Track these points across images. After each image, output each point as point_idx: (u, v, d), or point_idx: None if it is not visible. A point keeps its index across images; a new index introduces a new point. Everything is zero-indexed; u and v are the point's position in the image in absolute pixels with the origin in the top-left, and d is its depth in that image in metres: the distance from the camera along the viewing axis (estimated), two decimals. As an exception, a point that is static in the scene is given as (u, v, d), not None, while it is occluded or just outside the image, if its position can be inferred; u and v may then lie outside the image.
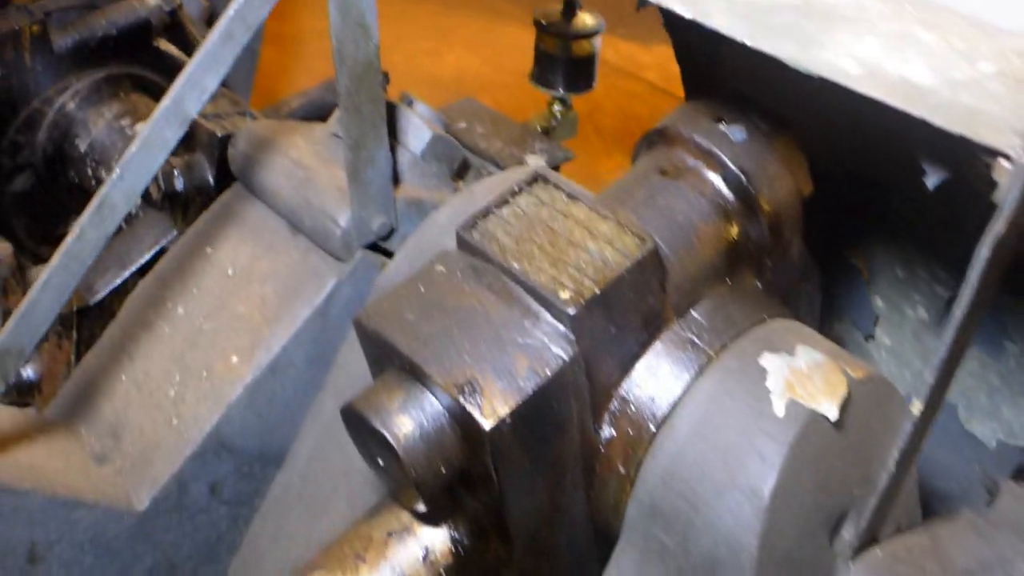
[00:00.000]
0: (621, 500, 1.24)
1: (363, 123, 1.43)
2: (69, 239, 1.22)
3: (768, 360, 1.21)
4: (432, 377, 1.10)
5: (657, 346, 1.23)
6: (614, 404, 1.23)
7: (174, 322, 1.63)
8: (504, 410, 1.08)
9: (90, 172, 2.14)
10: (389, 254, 1.59)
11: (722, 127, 1.29)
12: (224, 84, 2.04)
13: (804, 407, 1.16)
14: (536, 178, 1.25)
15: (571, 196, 1.22)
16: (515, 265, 1.16)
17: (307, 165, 1.60)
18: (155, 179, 1.70)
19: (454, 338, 1.13)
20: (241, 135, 1.69)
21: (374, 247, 1.59)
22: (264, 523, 1.61)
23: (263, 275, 1.60)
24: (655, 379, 1.23)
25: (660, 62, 4.34)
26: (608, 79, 4.45)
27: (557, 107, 2.05)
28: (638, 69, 4.38)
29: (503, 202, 1.23)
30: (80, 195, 2.14)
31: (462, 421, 1.10)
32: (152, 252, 1.76)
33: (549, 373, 1.10)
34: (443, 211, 1.48)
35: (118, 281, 1.74)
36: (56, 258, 1.22)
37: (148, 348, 1.62)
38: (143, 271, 1.73)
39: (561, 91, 2.02)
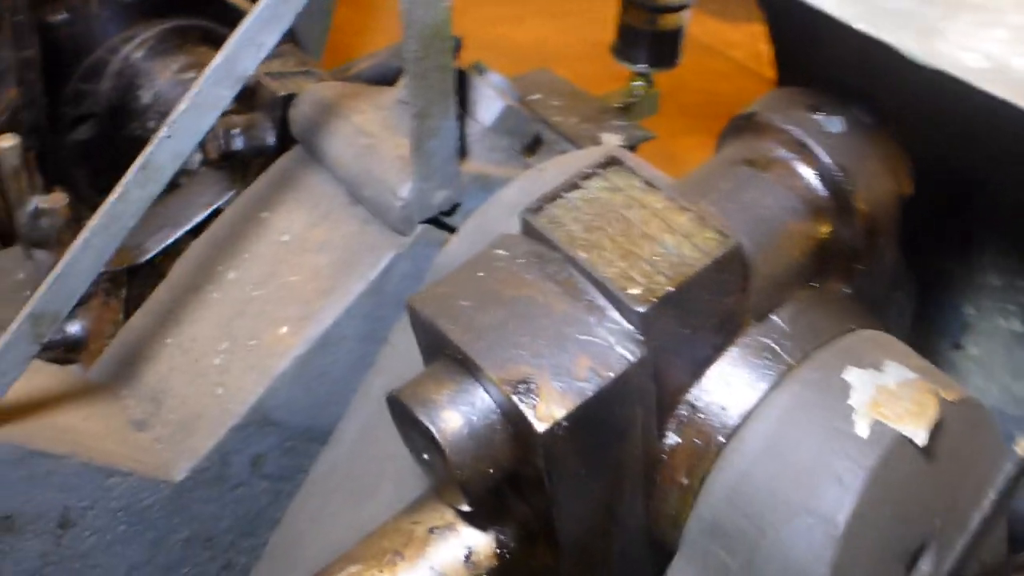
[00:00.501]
0: (682, 513, 1.16)
1: (430, 91, 1.34)
2: (111, 198, 1.15)
3: (853, 375, 1.11)
4: (485, 371, 1.02)
5: (732, 351, 1.14)
6: (682, 410, 1.14)
7: (224, 287, 1.56)
8: (560, 413, 0.99)
9: (152, 125, 2.09)
10: (452, 230, 1.50)
11: (818, 117, 1.19)
12: (295, 42, 1.98)
13: (890, 429, 1.06)
14: (611, 161, 1.16)
15: (648, 183, 1.13)
16: (582, 255, 1.07)
17: (370, 132, 1.52)
18: (214, 137, 1.63)
19: (511, 331, 1.04)
20: (304, 96, 1.61)
21: (436, 222, 1.51)
22: (306, 501, 1.55)
23: (318, 244, 1.53)
24: (728, 387, 1.13)
25: (748, 40, 4.19)
26: (693, 56, 4.30)
27: (638, 83, 1.93)
28: (725, 47, 4.24)
29: (573, 186, 1.14)
30: (142, 148, 2.08)
31: (514, 421, 1.02)
32: (207, 213, 1.69)
33: (612, 375, 1.02)
34: (509, 189, 1.40)
35: (170, 241, 1.68)
36: (96, 218, 1.16)
37: (195, 313, 1.56)
38: (196, 232, 1.67)
39: (644, 67, 1.90)
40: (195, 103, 1.14)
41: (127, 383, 1.57)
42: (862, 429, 1.07)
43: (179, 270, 1.62)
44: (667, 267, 1.06)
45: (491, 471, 1.04)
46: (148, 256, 1.66)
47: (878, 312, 1.30)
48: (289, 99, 1.64)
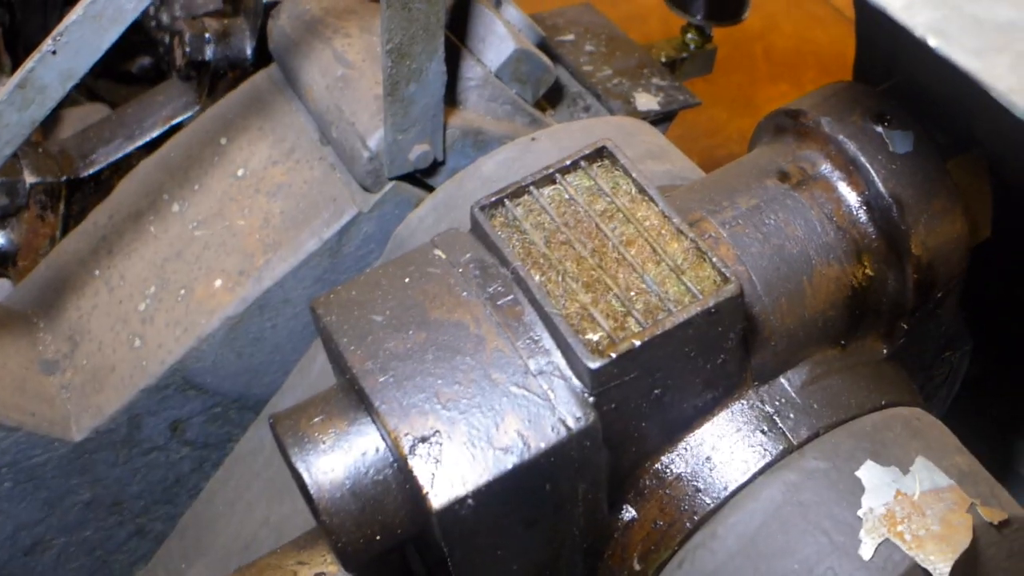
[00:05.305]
0: (629, 601, 0.92)
1: (411, 24, 1.08)
2: (-23, 119, 0.93)
3: (870, 471, 0.86)
4: (381, 416, 0.78)
5: (721, 417, 0.89)
6: (646, 481, 0.90)
7: (165, 220, 1.34)
8: (463, 489, 0.76)
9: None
10: (431, 191, 1.26)
11: (881, 129, 0.91)
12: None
13: (902, 555, 0.82)
14: (602, 153, 0.89)
15: (641, 190, 0.87)
16: (535, 278, 0.82)
17: (350, 62, 1.27)
18: (181, 42, 1.39)
19: (426, 366, 0.80)
20: (285, 6, 1.36)
21: (415, 180, 1.26)
22: (227, 480, 1.34)
23: (275, 187, 1.29)
24: (707, 462, 0.89)
25: (853, -13, 3.80)
26: (792, -5, 3.93)
27: (691, 36, 1.62)
28: (827, -9, 3.87)
29: (548, 179, 0.89)
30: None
31: (410, 484, 0.78)
32: (165, 128, 1.46)
33: (543, 447, 0.77)
34: (491, 159, 1.14)
35: (120, 155, 1.45)
36: (-42, 141, 0.93)
37: (130, 245, 1.34)
38: (152, 147, 1.44)
39: (699, 18, 1.60)
40: (89, 14, 0.90)
41: (47, 313, 1.36)
42: (867, 549, 0.82)
43: (122, 191, 1.40)
44: (642, 309, 0.80)
45: (378, 538, 0.81)
46: (94, 170, 1.44)
47: (922, 376, 1.04)
48: (273, 7, 1.38)
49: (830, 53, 3.83)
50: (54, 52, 0.91)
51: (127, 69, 2.12)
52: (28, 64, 0.91)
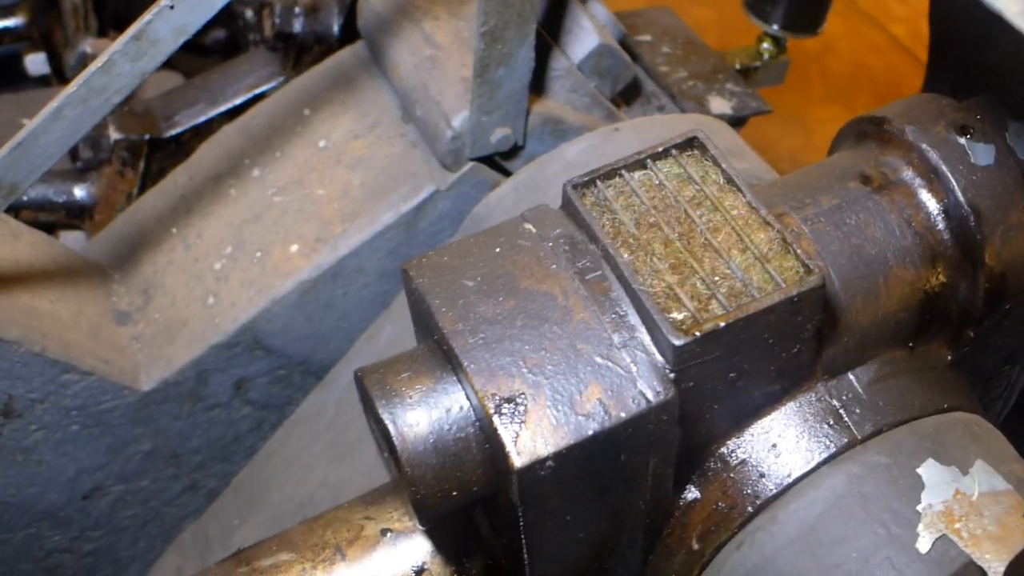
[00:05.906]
0: (684, 580, 0.95)
1: (506, 10, 1.12)
2: (93, 67, 0.96)
3: (931, 469, 0.89)
4: (468, 376, 0.82)
5: (789, 407, 0.92)
6: (710, 463, 0.93)
7: (245, 184, 1.37)
8: (546, 450, 0.79)
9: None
10: (508, 174, 1.29)
11: (964, 141, 0.94)
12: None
13: (959, 551, 0.84)
14: (691, 142, 0.92)
15: (730, 180, 0.90)
16: (624, 256, 0.85)
17: (438, 43, 1.30)
18: (271, 14, 1.43)
19: (514, 332, 0.83)
20: (376, -14, 1.40)
21: (491, 162, 1.29)
22: (286, 440, 1.38)
23: (355, 159, 1.33)
24: (772, 449, 0.92)
25: (912, 16, 3.82)
26: (850, 22, 3.94)
27: (767, 45, 1.65)
28: (885, 19, 3.88)
29: (638, 164, 0.92)
30: None
31: (492, 442, 0.81)
32: (248, 96, 1.51)
33: (624, 416, 0.80)
34: (574, 146, 1.17)
35: (202, 119, 1.50)
36: (73, 87, 0.97)
37: (209, 206, 1.38)
38: (233, 114, 1.48)
39: (776, 28, 1.63)
40: (210, -29, 0.94)
41: (121, 266, 1.40)
42: (924, 543, 0.85)
43: (203, 154, 1.44)
44: (726, 293, 0.83)
45: (455, 494, 0.84)
46: (176, 131, 1.48)
47: (980, 387, 1.06)
48: (363, -14, 1.42)
49: (885, 81, 3.84)
50: (172, 7, 0.95)
51: (200, 41, 2.17)
52: (145, 17, 0.95)
